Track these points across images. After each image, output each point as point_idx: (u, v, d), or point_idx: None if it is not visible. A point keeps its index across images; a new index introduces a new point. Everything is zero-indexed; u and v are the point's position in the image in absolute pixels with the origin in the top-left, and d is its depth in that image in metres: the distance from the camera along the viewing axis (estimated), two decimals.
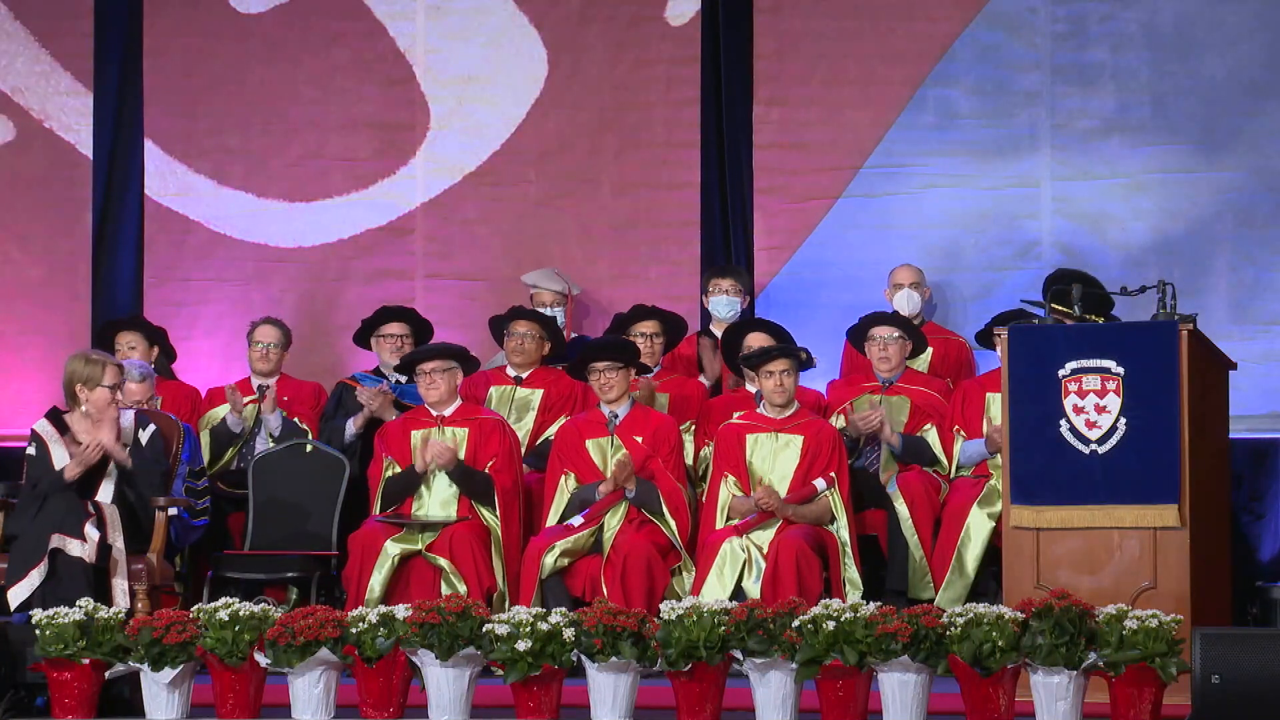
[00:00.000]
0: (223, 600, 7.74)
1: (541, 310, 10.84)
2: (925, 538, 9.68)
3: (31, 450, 8.85)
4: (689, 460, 10.08)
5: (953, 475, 9.93)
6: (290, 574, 9.98)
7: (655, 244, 11.44)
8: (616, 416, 9.87)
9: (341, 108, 11.68)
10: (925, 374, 10.44)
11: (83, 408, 8.84)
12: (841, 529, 9.52)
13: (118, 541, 8.64)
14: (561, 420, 10.27)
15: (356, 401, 10.56)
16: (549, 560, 9.49)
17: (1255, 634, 7.42)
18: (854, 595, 9.27)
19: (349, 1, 11.70)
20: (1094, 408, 7.98)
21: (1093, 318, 8.57)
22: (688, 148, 11.43)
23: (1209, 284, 10.73)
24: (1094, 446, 7.97)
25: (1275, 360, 10.62)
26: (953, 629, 7.21)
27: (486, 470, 9.81)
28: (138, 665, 7.72)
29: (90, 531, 8.56)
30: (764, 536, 9.38)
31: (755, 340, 10.12)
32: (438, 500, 9.85)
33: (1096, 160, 10.95)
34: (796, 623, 7.31)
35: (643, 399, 10.11)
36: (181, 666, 7.69)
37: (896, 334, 10.24)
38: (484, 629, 7.43)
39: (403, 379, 10.47)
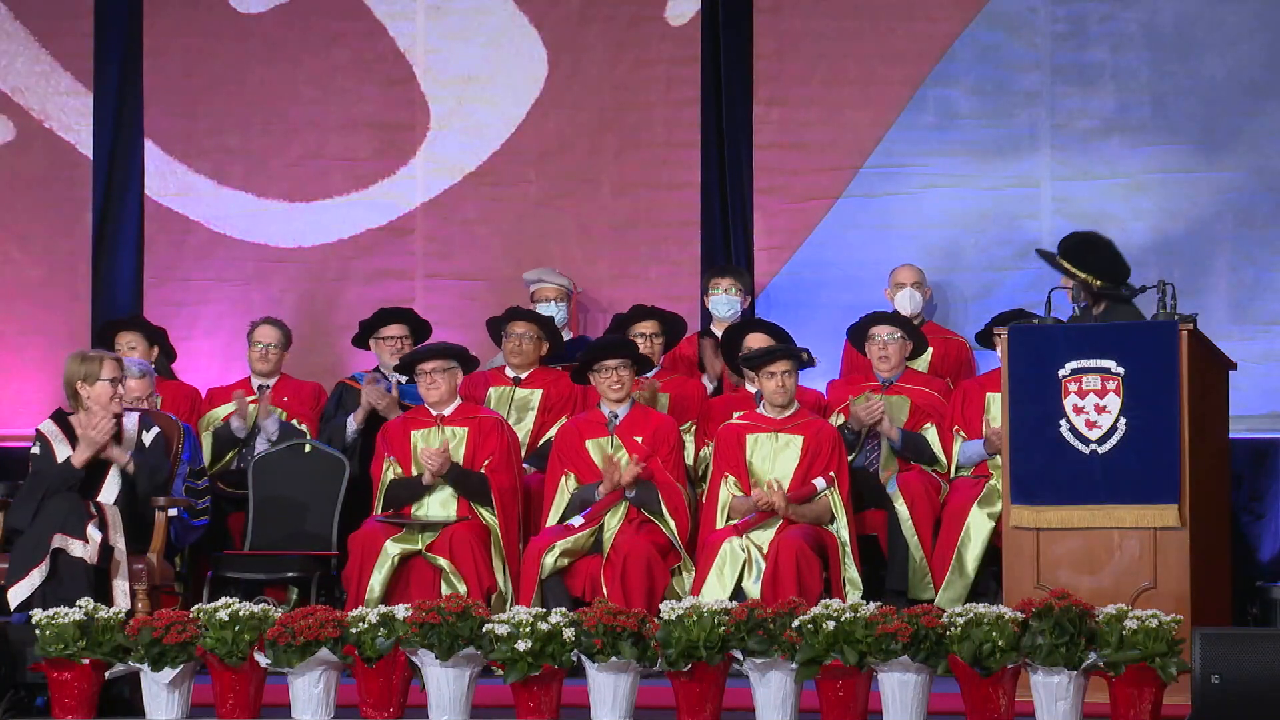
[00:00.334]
0: (223, 600, 7.74)
1: (545, 305, 10.83)
2: (925, 538, 9.68)
3: (36, 449, 8.86)
4: (689, 460, 10.08)
5: (952, 475, 9.94)
6: (290, 574, 9.98)
7: (655, 244, 11.44)
8: (617, 417, 9.87)
9: (341, 108, 11.68)
10: (925, 374, 10.44)
11: (85, 404, 8.85)
12: (841, 529, 9.52)
13: (119, 542, 8.64)
14: (562, 421, 10.27)
15: (356, 401, 10.56)
16: (549, 560, 9.49)
17: (1255, 634, 7.42)
18: (854, 595, 9.27)
19: (349, 1, 11.70)
20: (1094, 408, 7.98)
21: (1099, 282, 8.47)
22: (688, 148, 11.43)
23: (1209, 284, 10.73)
24: (1094, 446, 7.97)
25: (1275, 360, 10.63)
26: (953, 629, 7.21)
27: (483, 470, 9.81)
28: (138, 665, 7.72)
29: (92, 532, 8.56)
30: (764, 536, 9.38)
31: (756, 341, 10.12)
32: (437, 500, 9.85)
33: (1096, 160, 10.95)
34: (796, 623, 7.31)
35: (646, 399, 10.11)
36: (181, 666, 7.69)
37: (897, 334, 10.24)
38: (484, 629, 7.43)
39: (402, 379, 10.47)
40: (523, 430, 10.36)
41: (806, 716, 7.45)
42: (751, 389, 10.14)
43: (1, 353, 11.73)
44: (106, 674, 7.84)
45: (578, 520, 9.62)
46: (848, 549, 9.49)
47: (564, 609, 7.55)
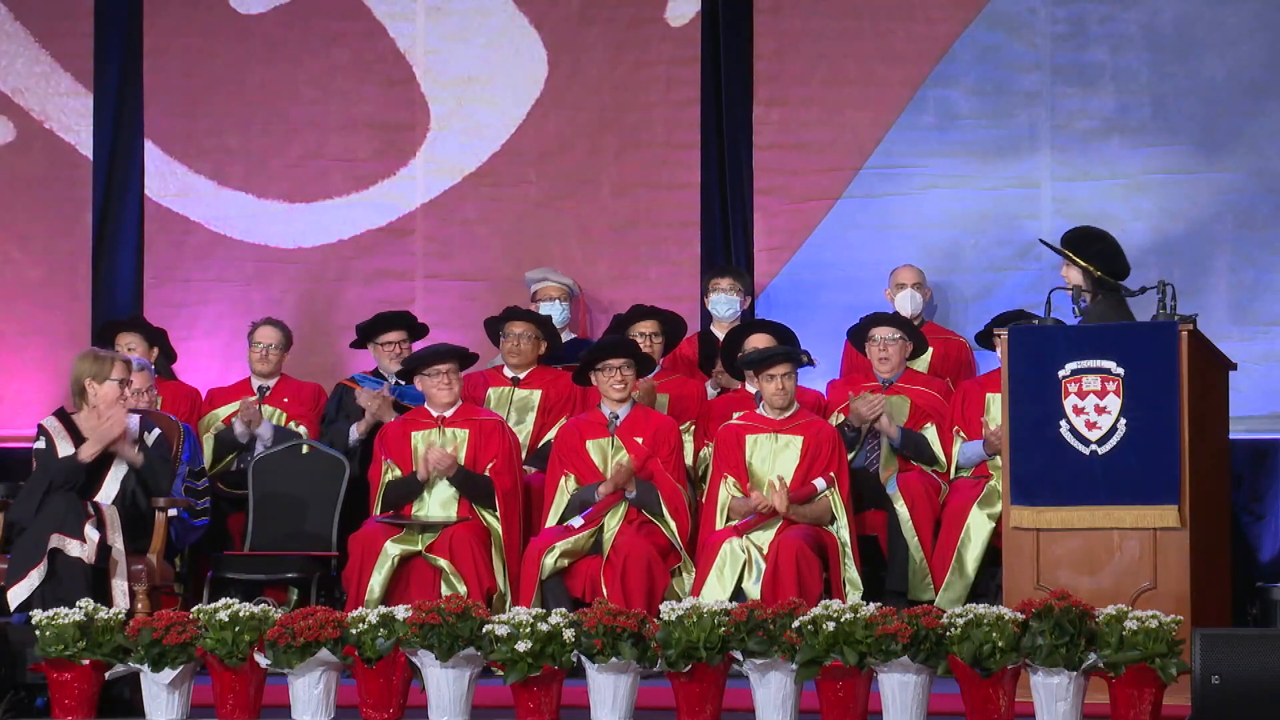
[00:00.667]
0: (223, 601, 7.74)
1: (548, 305, 10.82)
2: (925, 539, 9.68)
3: (41, 444, 8.87)
4: (689, 461, 10.08)
5: (952, 476, 9.94)
6: (290, 575, 9.97)
7: (655, 244, 11.45)
8: (617, 417, 9.87)
9: (341, 108, 11.69)
10: (925, 374, 10.44)
11: (92, 403, 8.87)
12: (841, 529, 9.52)
13: (117, 542, 8.65)
14: (562, 421, 10.26)
15: (357, 403, 10.56)
16: (549, 561, 9.49)
17: (1255, 634, 7.41)
18: (854, 596, 9.27)
19: (349, 2, 11.70)
20: (1094, 408, 7.98)
21: (1099, 272, 8.49)
22: (688, 148, 11.43)
23: (1209, 284, 10.73)
24: (1094, 447, 7.97)
25: (1275, 361, 10.63)
26: (953, 630, 7.21)
27: (486, 472, 9.81)
28: (138, 666, 7.72)
29: (90, 532, 8.56)
30: (764, 537, 9.38)
31: (758, 342, 10.12)
32: (438, 501, 9.85)
33: (1096, 161, 10.95)
34: (796, 623, 7.31)
35: (645, 400, 10.11)
36: (181, 667, 7.69)
37: (897, 334, 10.24)
38: (484, 630, 7.43)
39: (401, 381, 10.47)
40: (522, 431, 10.36)
41: (806, 717, 7.45)
42: (751, 389, 10.14)
43: (1, 353, 11.73)
44: (106, 675, 7.84)
45: (578, 521, 9.62)
46: (848, 549, 9.49)
47: (564, 610, 7.55)
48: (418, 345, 10.73)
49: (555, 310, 10.83)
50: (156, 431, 9.03)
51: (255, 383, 10.85)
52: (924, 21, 11.17)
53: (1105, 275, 8.46)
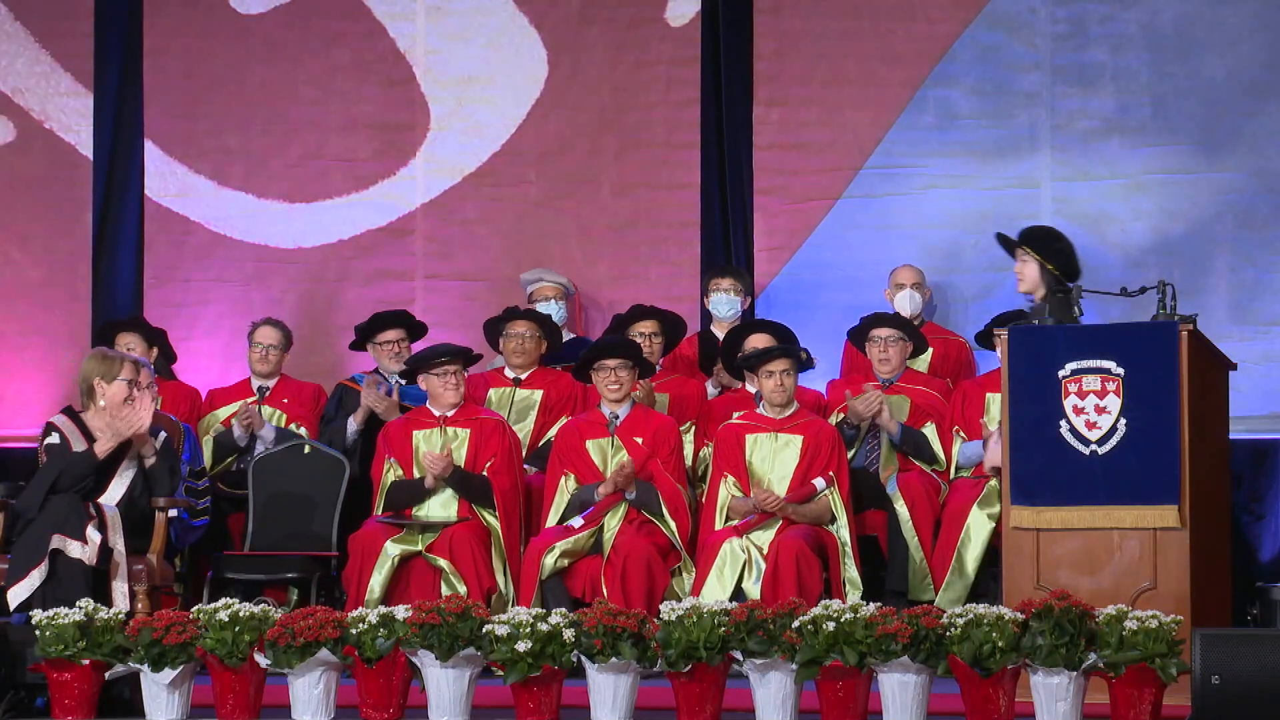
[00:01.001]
0: (223, 601, 7.73)
1: (544, 305, 10.82)
2: (925, 539, 9.68)
3: (55, 439, 8.86)
4: (689, 461, 10.08)
5: (952, 476, 9.94)
6: (290, 574, 9.98)
7: (655, 244, 11.45)
8: (617, 417, 9.88)
9: (341, 108, 11.69)
10: (925, 374, 10.44)
11: (100, 402, 8.87)
12: (841, 529, 9.52)
13: (118, 544, 8.64)
14: (562, 421, 10.27)
15: (357, 402, 10.56)
16: (549, 561, 9.49)
17: (1255, 634, 7.41)
18: (854, 596, 9.27)
19: (349, 2, 11.71)
20: (1094, 408, 7.98)
21: (1056, 271, 8.55)
22: (688, 148, 11.43)
23: (1209, 284, 10.74)
24: (1094, 447, 7.97)
25: (1275, 361, 10.63)
26: (953, 630, 7.21)
27: (484, 472, 9.81)
28: (138, 666, 7.72)
29: (92, 534, 8.56)
30: (764, 537, 9.39)
31: (758, 342, 10.12)
32: (438, 501, 9.85)
33: (1096, 161, 10.96)
34: (796, 623, 7.31)
35: (644, 400, 10.11)
36: (181, 667, 7.68)
37: (897, 335, 10.24)
38: (484, 630, 7.43)
39: (402, 381, 10.47)
40: (523, 431, 10.35)
41: (806, 717, 7.45)
42: (751, 389, 10.14)
43: (1, 353, 11.73)
44: (106, 675, 7.84)
45: (578, 521, 9.62)
46: (848, 549, 9.49)
47: (564, 610, 7.55)
48: (417, 344, 10.73)
49: (552, 310, 10.83)
50: (163, 435, 9.04)
51: (255, 383, 10.85)
52: (924, 21, 11.17)
53: (1061, 275, 8.53)
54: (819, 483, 9.54)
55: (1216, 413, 8.42)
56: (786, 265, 11.29)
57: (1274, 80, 10.75)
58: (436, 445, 9.84)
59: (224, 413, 10.76)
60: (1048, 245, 8.63)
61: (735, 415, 9.87)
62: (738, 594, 9.15)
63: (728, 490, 9.60)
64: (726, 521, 9.54)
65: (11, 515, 8.84)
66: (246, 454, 10.55)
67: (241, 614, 7.63)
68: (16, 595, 8.47)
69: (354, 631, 7.53)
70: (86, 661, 7.78)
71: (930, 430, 10.06)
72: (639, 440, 9.78)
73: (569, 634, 7.37)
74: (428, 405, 10.05)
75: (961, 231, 11.11)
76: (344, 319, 11.32)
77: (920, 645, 7.20)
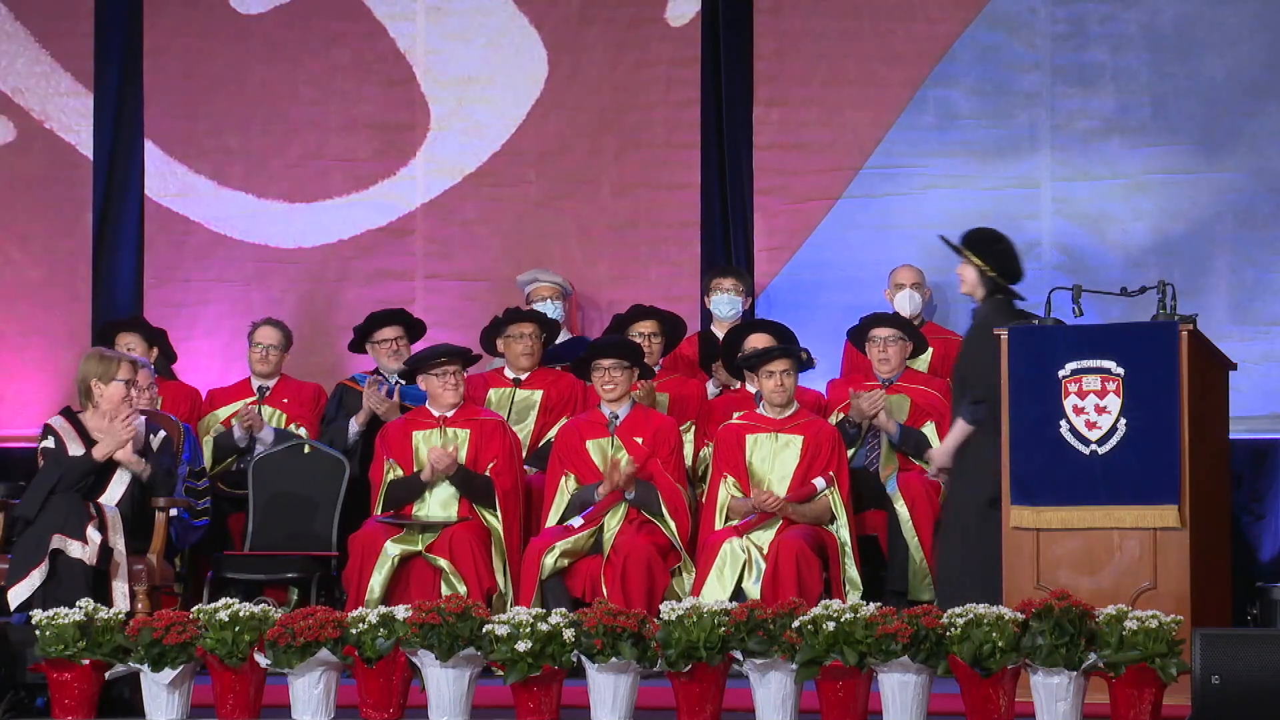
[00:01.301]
0: (223, 601, 7.74)
1: (541, 305, 10.82)
2: (925, 539, 9.68)
3: (49, 443, 8.87)
4: (689, 461, 10.08)
5: None
6: (290, 574, 9.97)
7: (655, 244, 11.45)
8: (617, 417, 9.88)
9: (341, 108, 11.69)
10: (925, 374, 10.44)
11: (97, 403, 8.87)
12: (841, 529, 9.53)
13: (119, 544, 8.65)
14: (562, 421, 10.26)
15: (357, 402, 10.56)
16: (549, 561, 9.49)
17: (1255, 634, 7.42)
18: (854, 596, 9.27)
19: (349, 2, 11.70)
20: (1094, 408, 7.98)
21: (993, 273, 8.60)
22: (688, 148, 11.43)
23: (1209, 284, 10.73)
24: (1094, 447, 7.97)
25: (1275, 361, 10.62)
26: (953, 629, 7.21)
27: (487, 472, 9.81)
28: (138, 666, 7.72)
29: (92, 534, 8.57)
30: (764, 537, 9.39)
31: (757, 341, 10.12)
32: (438, 501, 9.85)
33: (1096, 161, 10.95)
34: (796, 623, 7.31)
35: (644, 401, 10.11)
36: (181, 667, 7.69)
37: (896, 335, 10.24)
38: (484, 629, 7.43)
39: (402, 381, 10.47)
40: (523, 431, 10.35)
41: (806, 717, 7.45)
42: (751, 389, 10.14)
43: (1, 353, 11.73)
44: (106, 675, 7.84)
45: (577, 521, 9.62)
46: (848, 549, 9.49)
47: (564, 609, 7.55)
48: (416, 343, 10.73)
49: (549, 309, 10.82)
50: (162, 434, 9.04)
51: (255, 383, 10.85)
52: (924, 21, 11.17)
53: (998, 276, 8.61)
54: (819, 483, 9.54)
55: (1216, 413, 8.42)
56: (786, 265, 11.29)
57: (1274, 80, 10.75)
58: (438, 445, 9.83)
59: (224, 413, 10.75)
60: (986, 248, 8.72)
61: (735, 415, 9.87)
62: (738, 594, 9.15)
63: (727, 490, 9.60)
64: (726, 522, 9.54)
65: (11, 517, 8.84)
66: (246, 454, 10.55)
67: (241, 614, 7.63)
68: (17, 595, 8.48)
69: (354, 631, 7.53)
70: (86, 661, 7.78)
71: (930, 430, 10.06)
72: (639, 440, 9.78)
73: (569, 634, 7.38)
74: (427, 406, 10.04)
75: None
76: (344, 319, 11.31)
77: (920, 645, 7.20)
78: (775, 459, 9.63)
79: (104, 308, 11.69)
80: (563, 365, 10.60)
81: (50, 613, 7.83)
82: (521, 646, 7.31)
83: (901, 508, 9.74)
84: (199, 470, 9.87)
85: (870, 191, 11.20)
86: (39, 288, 11.77)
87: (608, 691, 7.42)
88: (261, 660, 7.60)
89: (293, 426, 10.70)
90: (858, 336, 10.37)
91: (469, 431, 9.91)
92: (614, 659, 7.38)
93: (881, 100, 11.20)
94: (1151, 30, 10.92)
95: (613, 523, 9.62)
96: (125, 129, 11.84)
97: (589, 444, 9.85)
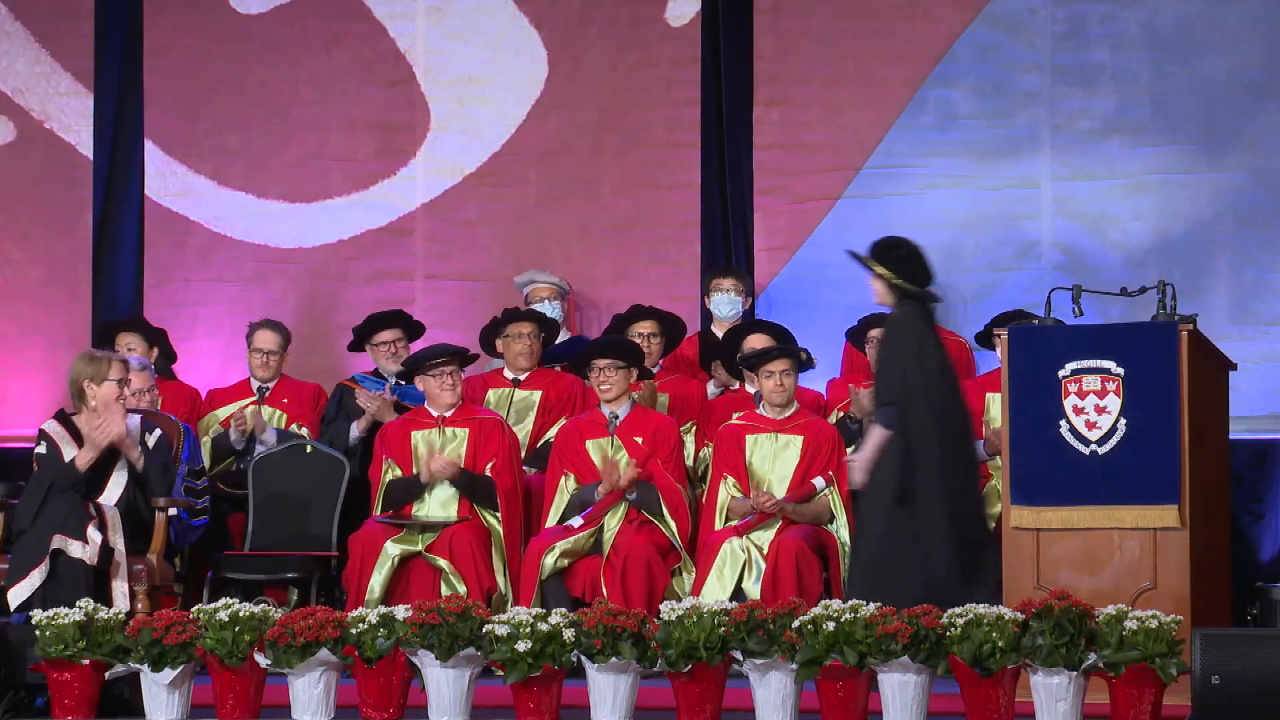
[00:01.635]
0: (223, 601, 7.74)
1: (539, 305, 10.81)
2: None
3: (41, 449, 8.87)
4: (689, 461, 10.08)
5: None
6: (290, 575, 9.97)
7: (655, 244, 11.44)
8: (617, 417, 9.88)
9: (341, 108, 11.69)
10: None
11: (91, 404, 8.86)
12: (841, 529, 9.53)
13: (119, 544, 8.65)
14: (562, 421, 10.27)
15: (357, 403, 10.56)
16: (549, 561, 9.49)
17: (1255, 634, 7.42)
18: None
19: (349, 2, 11.70)
20: (1094, 408, 7.98)
21: (898, 280, 8.61)
22: (688, 148, 11.43)
23: (1209, 284, 10.73)
24: (1094, 447, 7.97)
25: (1275, 361, 10.63)
26: (953, 630, 7.21)
27: (487, 472, 9.81)
28: (138, 666, 7.72)
29: (92, 534, 8.57)
30: (764, 537, 9.39)
31: (756, 342, 10.12)
32: (438, 501, 9.85)
33: (1097, 161, 10.95)
34: (796, 623, 7.31)
35: (645, 402, 10.11)
36: (181, 667, 7.69)
37: None
38: (484, 630, 7.43)
39: (401, 381, 10.47)
40: (523, 431, 10.35)
41: (806, 717, 7.45)
42: (751, 389, 10.14)
43: (1, 353, 11.73)
44: (106, 675, 7.84)
45: (577, 521, 9.62)
46: (848, 549, 9.49)
47: (564, 610, 7.55)
48: (415, 344, 10.73)
49: (548, 310, 10.82)
50: (158, 432, 9.03)
51: (255, 383, 10.84)
52: (924, 21, 11.17)
53: (906, 282, 8.63)
54: (818, 482, 9.55)
55: (1216, 413, 8.42)
56: (786, 265, 11.29)
57: (1274, 80, 10.75)
58: (435, 446, 9.83)
59: (224, 413, 10.75)
60: (888, 255, 8.73)
61: (735, 416, 9.87)
62: (738, 594, 9.15)
63: (727, 491, 9.60)
64: (726, 522, 9.54)
65: (11, 530, 8.84)
66: (246, 455, 10.55)
67: (241, 614, 7.63)
68: (17, 595, 8.48)
69: (354, 631, 7.53)
70: (86, 661, 7.78)
71: None
72: (639, 440, 9.78)
73: (569, 634, 7.38)
74: (426, 406, 10.04)
75: (961, 231, 11.10)
76: (344, 319, 11.31)
77: (920, 645, 7.20)
78: (775, 459, 9.63)
79: (104, 308, 11.69)
80: (562, 365, 10.60)
81: (50, 613, 7.83)
82: (521, 646, 7.31)
83: None
84: (198, 470, 9.86)
85: (870, 191, 11.20)
86: (39, 288, 11.77)
87: (608, 691, 7.42)
88: (261, 660, 7.60)
89: (294, 427, 10.70)
90: (857, 336, 10.37)
91: (468, 431, 9.91)
92: (614, 659, 7.38)
93: (881, 100, 11.20)
94: (1151, 30, 10.92)
95: (613, 523, 9.62)
96: (125, 129, 11.84)
97: (589, 444, 9.85)
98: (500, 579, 9.67)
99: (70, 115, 11.83)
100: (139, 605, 8.64)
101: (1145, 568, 7.91)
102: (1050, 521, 8.02)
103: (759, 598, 8.97)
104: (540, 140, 11.55)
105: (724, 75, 11.43)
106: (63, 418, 8.95)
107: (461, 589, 9.44)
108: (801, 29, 11.30)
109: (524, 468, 10.13)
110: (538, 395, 10.49)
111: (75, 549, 8.53)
